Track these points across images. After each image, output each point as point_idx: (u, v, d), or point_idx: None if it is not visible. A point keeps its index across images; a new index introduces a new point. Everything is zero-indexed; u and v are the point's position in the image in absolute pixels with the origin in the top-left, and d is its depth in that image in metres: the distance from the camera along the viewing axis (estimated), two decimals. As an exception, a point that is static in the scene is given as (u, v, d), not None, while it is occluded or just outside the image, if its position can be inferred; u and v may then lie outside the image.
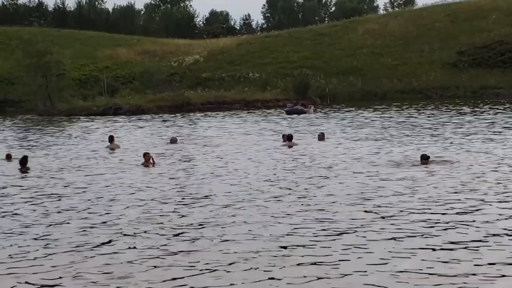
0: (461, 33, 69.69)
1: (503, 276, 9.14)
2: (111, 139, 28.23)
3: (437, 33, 71.47)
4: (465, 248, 10.73)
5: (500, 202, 14.17)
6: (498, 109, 42.14)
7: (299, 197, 15.38)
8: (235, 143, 28.48)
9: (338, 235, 11.68)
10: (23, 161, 21.85)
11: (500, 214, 12.95)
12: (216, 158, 23.35)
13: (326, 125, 35.12)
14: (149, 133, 35.24)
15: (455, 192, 15.32)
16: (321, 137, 27.79)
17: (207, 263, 10.24)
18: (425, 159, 19.66)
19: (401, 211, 13.47)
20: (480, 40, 67.73)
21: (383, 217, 12.91)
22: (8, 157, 23.98)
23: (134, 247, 11.37)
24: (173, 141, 28.70)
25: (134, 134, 34.62)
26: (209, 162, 22.28)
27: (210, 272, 9.89)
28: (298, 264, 10.11)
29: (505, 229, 11.80)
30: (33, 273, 10.13)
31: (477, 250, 10.55)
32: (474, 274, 9.30)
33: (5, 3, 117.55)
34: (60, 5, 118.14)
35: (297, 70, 65.52)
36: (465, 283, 9.00)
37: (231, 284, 9.28)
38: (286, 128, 32.94)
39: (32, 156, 24.62)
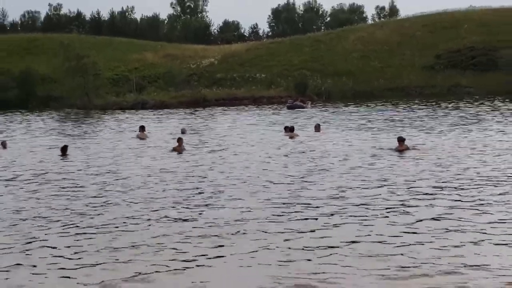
0: (438, 40, 69.51)
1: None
2: (142, 128, 28.25)
3: (417, 40, 71.30)
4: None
5: (469, 179, 14.29)
6: (467, 104, 42.10)
7: (296, 179, 15.54)
8: (244, 133, 28.49)
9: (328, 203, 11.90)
10: (64, 149, 21.99)
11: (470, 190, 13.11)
12: (227, 146, 23.44)
13: (322, 118, 35.11)
14: (171, 124, 35.26)
15: (429, 173, 15.49)
16: (317, 128, 27.80)
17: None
18: (401, 140, 20.02)
19: (379, 187, 13.66)
20: (454, 46, 67.55)
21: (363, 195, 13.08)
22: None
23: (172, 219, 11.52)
24: (183, 131, 28.59)
25: (158, 125, 34.72)
26: (223, 149, 22.39)
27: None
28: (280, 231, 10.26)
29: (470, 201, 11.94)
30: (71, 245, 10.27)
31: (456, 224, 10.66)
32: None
33: (50, 13, 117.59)
34: (96, 15, 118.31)
35: (298, 71, 65.29)
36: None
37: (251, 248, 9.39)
38: (288, 121, 33.00)
39: (72, 144, 24.75)
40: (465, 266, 8.27)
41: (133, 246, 9.74)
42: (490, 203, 11.98)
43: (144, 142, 25.78)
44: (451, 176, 15.05)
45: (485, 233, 9.88)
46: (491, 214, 11.13)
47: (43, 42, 77.94)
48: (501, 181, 14.26)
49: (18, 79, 63.46)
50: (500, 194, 12.79)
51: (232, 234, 10.29)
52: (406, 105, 44.31)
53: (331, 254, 9.03)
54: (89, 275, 8.48)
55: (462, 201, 12.21)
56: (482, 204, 11.88)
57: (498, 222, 10.53)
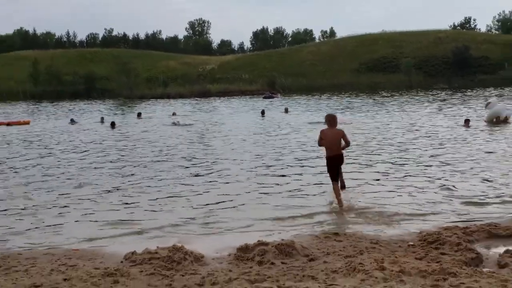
0: (362, 52, 69.08)
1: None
2: (139, 115, 26.73)
3: (348, 52, 70.74)
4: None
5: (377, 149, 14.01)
6: (379, 95, 41.88)
7: (270, 145, 15.21)
8: (233, 115, 27.83)
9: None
10: (112, 124, 21.74)
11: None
12: (219, 123, 22.93)
13: (288, 104, 34.67)
14: (183, 107, 34.60)
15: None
16: (286, 110, 27.50)
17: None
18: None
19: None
20: (372, 56, 67.22)
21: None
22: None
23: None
24: (174, 113, 27.25)
25: (175, 108, 34.01)
26: (216, 126, 21.88)
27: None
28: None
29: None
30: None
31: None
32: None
33: (105, 34, 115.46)
34: (136, 35, 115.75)
35: (269, 73, 64.74)
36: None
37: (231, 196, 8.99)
38: (264, 106, 32.39)
39: (119, 121, 24.24)
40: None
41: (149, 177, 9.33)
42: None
43: (149, 121, 24.56)
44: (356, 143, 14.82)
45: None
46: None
47: (101, 54, 76.73)
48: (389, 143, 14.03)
49: (84, 78, 62.94)
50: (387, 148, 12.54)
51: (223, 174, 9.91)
52: (339, 96, 44.05)
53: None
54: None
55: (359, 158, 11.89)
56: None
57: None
